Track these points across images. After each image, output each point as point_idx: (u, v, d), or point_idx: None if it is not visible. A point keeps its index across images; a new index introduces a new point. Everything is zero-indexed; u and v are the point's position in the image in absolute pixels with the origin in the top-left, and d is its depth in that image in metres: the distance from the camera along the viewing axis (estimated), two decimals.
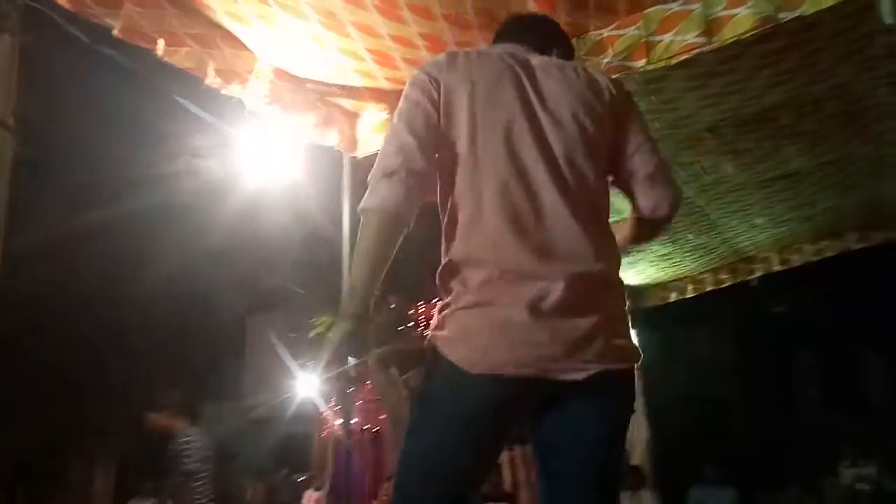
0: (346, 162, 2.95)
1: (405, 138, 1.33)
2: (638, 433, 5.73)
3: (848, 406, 11.53)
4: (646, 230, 1.53)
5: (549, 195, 1.31)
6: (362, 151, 2.89)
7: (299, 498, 9.69)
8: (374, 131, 2.85)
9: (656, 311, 5.72)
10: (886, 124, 3.22)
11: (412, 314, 8.39)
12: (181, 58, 2.19)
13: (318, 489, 9.03)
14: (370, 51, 2.40)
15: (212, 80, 2.32)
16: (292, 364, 9.28)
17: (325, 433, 10.57)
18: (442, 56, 1.42)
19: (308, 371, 9.10)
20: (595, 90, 1.43)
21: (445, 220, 1.37)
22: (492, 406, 1.25)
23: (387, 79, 2.60)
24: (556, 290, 1.24)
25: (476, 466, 1.32)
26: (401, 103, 1.39)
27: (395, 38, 2.33)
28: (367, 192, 1.31)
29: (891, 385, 11.77)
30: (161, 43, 2.10)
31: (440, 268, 1.33)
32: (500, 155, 1.32)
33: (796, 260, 5.13)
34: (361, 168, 2.99)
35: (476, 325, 1.25)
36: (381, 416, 9.38)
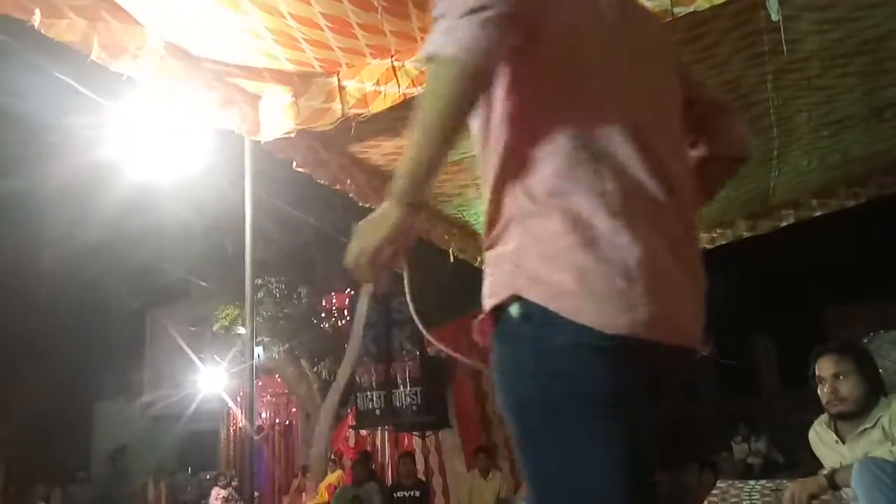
0: (247, 146, 2.83)
1: None
2: None
3: (741, 388, 12.23)
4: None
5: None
6: (265, 135, 2.78)
7: (206, 496, 9.39)
8: (279, 115, 2.75)
9: None
10: (772, 119, 3.40)
11: (324, 305, 8.26)
12: (61, 31, 2.02)
13: (225, 486, 8.78)
14: (270, 30, 2.31)
15: (97, 54, 2.16)
16: (195, 359, 8.95)
17: (231, 429, 10.28)
18: None
19: (212, 365, 8.80)
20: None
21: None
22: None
23: (289, 60, 2.51)
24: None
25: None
26: None
27: (296, 18, 2.25)
28: (439, 32, 0.96)
29: (778, 366, 12.58)
30: (38, 14, 1.93)
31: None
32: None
33: None
34: (264, 153, 2.88)
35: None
36: (292, 410, 9.23)
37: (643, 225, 0.99)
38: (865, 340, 3.34)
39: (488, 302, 1.05)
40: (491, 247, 1.07)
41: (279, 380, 8.95)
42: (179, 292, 9.20)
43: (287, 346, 7.76)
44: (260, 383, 8.42)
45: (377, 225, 0.99)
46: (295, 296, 7.81)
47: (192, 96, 2.51)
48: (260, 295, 7.08)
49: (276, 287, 7.50)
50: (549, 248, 0.98)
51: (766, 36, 2.57)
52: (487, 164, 1.09)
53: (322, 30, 2.32)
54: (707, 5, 2.07)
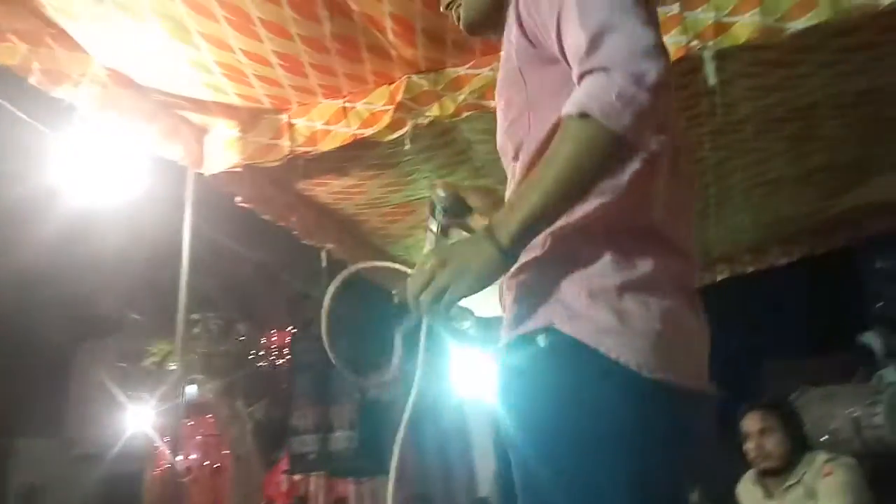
0: (189, 178, 2.77)
1: (654, 28, 0.92)
2: (486, 463, 5.82)
3: None
4: None
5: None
6: (209, 168, 2.73)
7: None
8: (224, 148, 2.71)
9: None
10: (708, 178, 3.53)
11: (263, 343, 8.04)
12: (0, 53, 1.96)
13: None
14: (220, 64, 2.29)
15: (37, 79, 2.10)
16: (123, 395, 8.55)
17: (158, 470, 9.80)
18: None
19: (141, 403, 8.42)
20: None
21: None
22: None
23: (238, 95, 2.49)
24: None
25: None
26: None
27: (247, 54, 2.24)
28: (616, 89, 0.87)
29: None
30: None
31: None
32: None
33: None
34: (207, 186, 2.82)
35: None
36: (223, 452, 8.87)
37: (675, 273, 1.00)
38: (794, 396, 3.44)
39: (515, 331, 1.01)
40: (521, 273, 1.02)
41: (211, 420, 8.62)
42: (111, 325, 8.83)
43: (221, 384, 7.50)
44: (191, 423, 8.08)
45: (468, 262, 0.92)
46: (232, 333, 7.59)
47: (135, 126, 2.45)
48: (196, 330, 6.85)
49: (213, 322, 7.28)
50: (594, 285, 0.96)
51: (706, 98, 2.68)
52: None
53: (273, 67, 2.31)
54: None
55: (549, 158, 0.91)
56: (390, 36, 2.24)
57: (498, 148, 1.18)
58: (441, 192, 1.25)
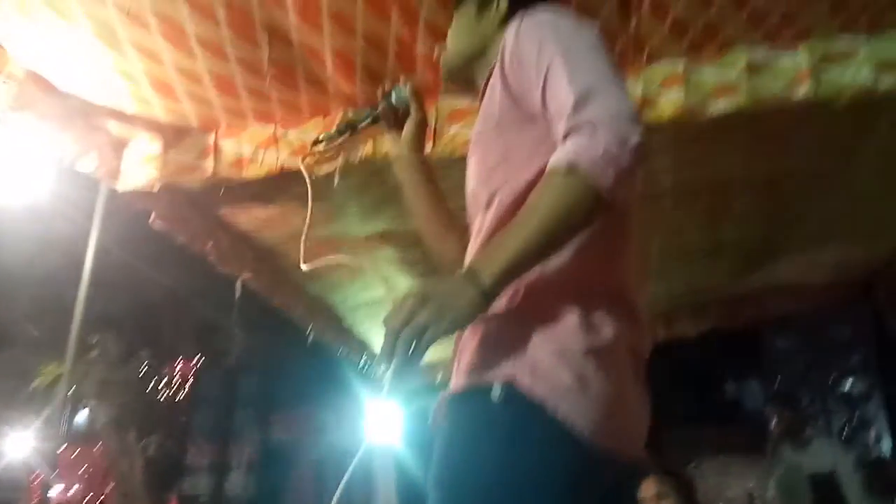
0: (101, 192, 2.63)
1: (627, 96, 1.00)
2: None
3: None
4: None
5: None
6: (124, 184, 2.60)
7: None
8: (143, 164, 2.59)
9: (422, 391, 5.80)
10: None
11: (165, 371, 7.66)
12: None
13: None
14: (149, 75, 2.21)
15: None
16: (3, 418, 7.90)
17: (34, 503, 9.04)
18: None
19: (23, 427, 7.80)
20: None
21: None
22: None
23: (165, 109, 2.40)
24: None
25: None
26: (586, 41, 1.06)
27: (178, 69, 2.17)
28: (600, 146, 0.91)
29: None
30: None
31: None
32: None
33: None
34: (120, 201, 2.69)
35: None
36: (109, 486, 8.28)
37: (633, 341, 1.04)
38: (692, 465, 3.53)
39: (467, 379, 1.01)
40: (487, 321, 1.02)
41: (100, 451, 8.07)
42: (2, 340, 8.21)
43: (114, 414, 7.06)
44: (77, 452, 7.54)
45: (450, 302, 0.91)
46: (133, 359, 7.20)
47: (49, 131, 2.32)
48: (94, 353, 6.46)
49: (113, 346, 6.89)
50: (562, 345, 0.97)
51: None
52: None
53: (204, 85, 2.25)
54: None
55: (533, 205, 0.95)
56: (329, 69, 2.22)
57: (468, 195, 1.22)
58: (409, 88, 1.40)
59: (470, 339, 1.05)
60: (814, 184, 3.05)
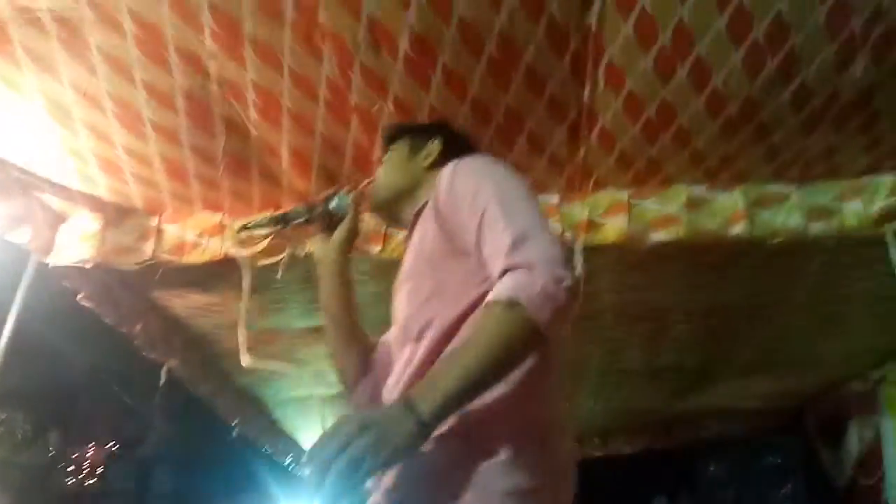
0: (31, 264, 2.52)
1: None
2: None
3: None
4: None
5: None
6: (56, 258, 2.50)
7: None
8: (79, 241, 2.50)
9: (349, 490, 5.53)
10: (561, 357, 3.66)
11: (75, 457, 7.10)
12: None
13: None
14: (98, 156, 2.17)
15: None
16: None
17: None
18: None
19: None
20: None
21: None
22: None
23: (109, 189, 2.35)
24: None
25: None
26: (519, 190, 1.13)
27: (128, 151, 2.14)
28: (539, 284, 0.95)
29: None
30: None
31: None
32: None
33: None
34: (48, 275, 2.57)
35: None
36: None
37: (554, 484, 1.06)
38: None
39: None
40: (428, 455, 1.00)
41: None
42: None
43: (14, 501, 6.46)
44: None
45: (388, 435, 0.88)
46: (41, 441, 6.67)
47: None
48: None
49: (20, 426, 6.39)
50: (484, 485, 0.98)
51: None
52: None
53: (153, 169, 2.23)
54: None
55: (473, 338, 0.97)
56: (285, 164, 2.23)
57: (397, 327, 1.24)
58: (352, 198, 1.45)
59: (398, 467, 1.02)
60: (748, 316, 3.16)
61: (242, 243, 2.45)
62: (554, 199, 2.27)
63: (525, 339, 0.96)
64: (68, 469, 6.90)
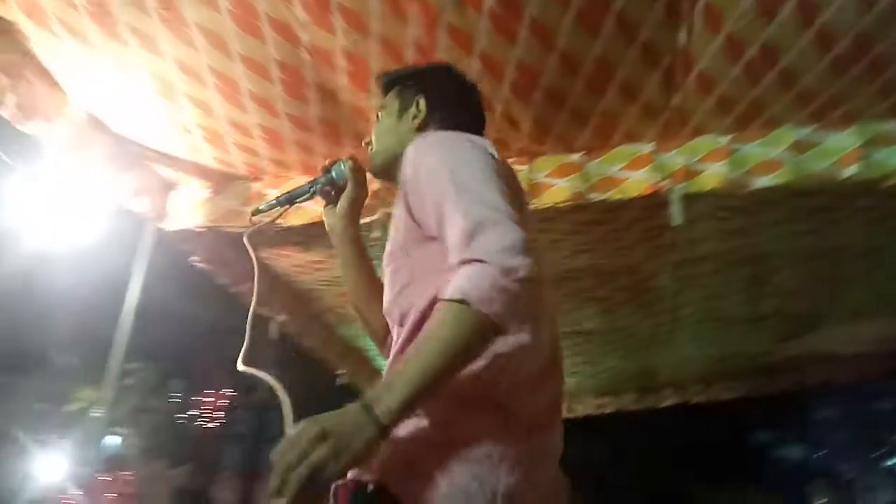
0: (149, 231, 2.71)
1: (524, 227, 1.01)
2: None
3: None
4: None
5: None
6: (171, 224, 2.68)
7: None
8: (190, 207, 2.67)
9: None
10: (664, 305, 3.60)
11: (197, 403, 7.71)
12: None
13: None
14: (201, 127, 2.29)
15: (10, 112, 2.06)
16: (33, 441, 8.02)
17: None
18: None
19: (52, 450, 7.92)
20: None
21: None
22: None
23: (215, 158, 2.48)
24: None
25: None
26: (480, 172, 1.09)
27: (230, 122, 2.24)
28: (488, 279, 0.95)
29: None
30: None
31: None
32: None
33: (580, 410, 5.46)
34: (166, 240, 2.77)
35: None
36: None
37: (543, 481, 1.05)
38: None
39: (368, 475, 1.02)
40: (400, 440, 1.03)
41: (130, 477, 8.13)
42: (34, 363, 8.38)
43: (146, 441, 7.13)
44: (108, 478, 7.60)
45: (348, 440, 0.88)
46: (166, 388, 7.28)
47: (103, 172, 2.41)
48: (129, 381, 6.56)
49: (148, 375, 6.98)
50: (441, 451, 1.00)
51: (669, 232, 2.76)
52: None
53: (253, 138, 2.32)
54: (618, 197, 2.22)
55: (427, 338, 0.95)
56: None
57: (384, 312, 1.25)
58: (349, 166, 1.42)
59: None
60: (858, 259, 2.98)
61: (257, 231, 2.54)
62: (648, 147, 2.20)
63: (478, 335, 0.94)
64: (191, 414, 7.53)
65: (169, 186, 2.69)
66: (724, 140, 2.14)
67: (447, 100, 1.38)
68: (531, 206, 2.25)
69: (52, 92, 2.15)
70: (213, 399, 7.45)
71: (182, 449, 7.22)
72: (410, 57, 1.95)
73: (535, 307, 0.97)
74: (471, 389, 0.99)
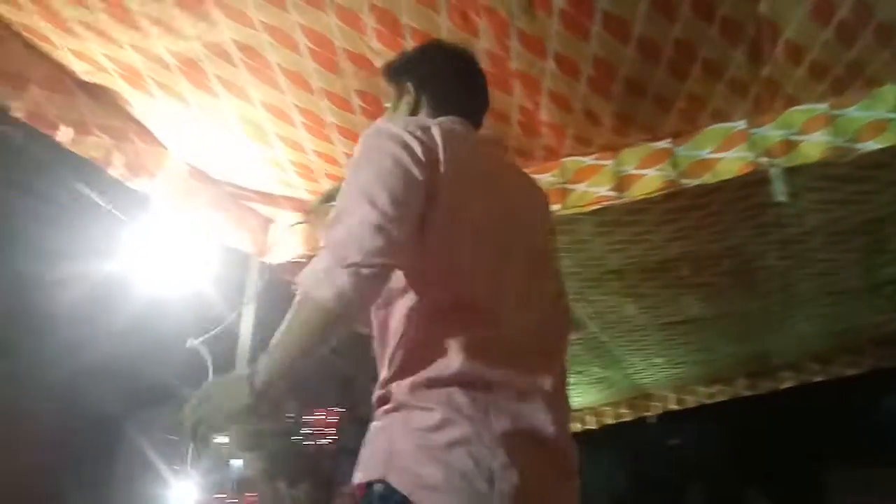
0: (253, 266, 2.85)
1: (388, 210, 1.08)
2: None
3: None
4: None
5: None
6: (273, 257, 2.81)
7: None
8: (290, 239, 2.79)
9: None
10: (773, 284, 3.44)
11: (310, 422, 8.00)
12: (87, 147, 2.08)
13: None
14: (293, 163, 2.38)
15: (118, 171, 2.22)
16: (167, 470, 8.54)
17: None
18: (428, 126, 1.22)
19: (184, 478, 8.39)
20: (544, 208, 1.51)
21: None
22: None
23: (308, 190, 2.57)
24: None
25: None
26: (374, 155, 1.16)
27: (319, 154, 2.33)
28: (321, 269, 1.05)
29: None
30: (68, 131, 2.00)
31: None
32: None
33: (691, 401, 5.29)
34: (270, 272, 2.90)
35: None
36: None
37: (516, 433, 1.09)
38: None
39: (359, 475, 1.13)
40: (377, 419, 1.17)
41: (254, 498, 8.52)
42: (161, 397, 8.93)
43: (266, 462, 7.45)
44: (234, 500, 8.00)
45: (222, 402, 1.08)
46: (281, 411, 7.59)
47: (206, 215, 2.56)
48: (264, 410, 6.87)
49: None
50: (423, 441, 1.07)
51: (771, 210, 2.64)
52: (384, 352, 1.20)
53: (341, 166, 2.40)
54: (713, 180, 2.14)
55: (285, 320, 1.08)
56: None
57: None
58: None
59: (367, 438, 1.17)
60: None
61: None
62: (740, 124, 2.12)
63: (316, 319, 1.04)
64: (306, 433, 7.81)
65: (267, 222, 2.82)
66: (822, 107, 2.02)
67: (435, 80, 1.41)
68: (624, 199, 2.21)
69: (153, 149, 2.30)
70: (323, 417, 7.70)
71: (300, 468, 7.50)
72: (484, 68, 1.96)
73: (370, 289, 1.06)
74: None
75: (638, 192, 2.20)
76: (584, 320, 3.74)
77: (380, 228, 1.05)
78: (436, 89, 1.39)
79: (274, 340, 1.08)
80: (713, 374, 4.94)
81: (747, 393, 5.11)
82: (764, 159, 2.07)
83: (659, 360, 4.53)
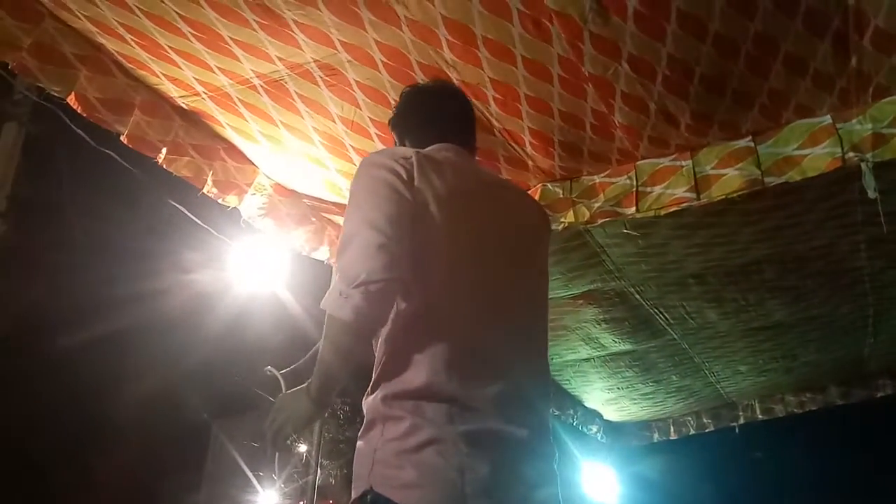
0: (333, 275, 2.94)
1: (387, 230, 1.22)
2: None
3: None
4: None
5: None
6: None
7: None
8: None
9: (637, 450, 5.58)
10: (865, 286, 3.27)
11: None
12: (180, 166, 2.22)
13: None
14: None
15: (209, 189, 2.35)
16: (253, 476, 8.80)
17: None
18: (409, 155, 1.36)
19: (269, 484, 8.64)
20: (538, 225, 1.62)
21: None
22: None
23: None
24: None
25: None
26: (368, 183, 1.32)
27: None
28: (337, 295, 1.20)
29: None
30: (164, 151, 2.13)
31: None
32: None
33: (778, 410, 5.08)
34: None
35: None
36: None
37: (480, 432, 1.20)
38: None
39: (353, 492, 1.24)
40: (360, 437, 1.29)
41: None
42: (245, 403, 9.25)
43: (344, 470, 7.58)
44: None
45: (292, 411, 1.31)
46: (358, 419, 7.73)
47: (289, 228, 2.66)
48: (325, 415, 7.04)
49: (340, 409, 7.45)
50: (399, 447, 1.19)
51: (860, 207, 2.53)
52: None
53: None
54: (798, 177, 2.08)
55: (321, 339, 1.26)
56: (528, 148, 2.32)
57: None
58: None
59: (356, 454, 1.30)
60: None
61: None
62: (826, 119, 2.05)
63: (342, 335, 1.22)
64: None
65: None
66: None
67: (412, 124, 1.61)
68: (702, 200, 2.17)
69: (242, 167, 2.41)
70: None
71: None
72: (556, 74, 1.97)
73: (381, 302, 1.20)
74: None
75: (718, 192, 2.16)
76: None
77: (381, 247, 1.20)
78: (415, 132, 1.58)
79: (318, 356, 1.27)
80: (802, 381, 4.72)
81: (840, 402, 4.87)
82: (853, 154, 2.00)
83: (743, 368, 4.37)
